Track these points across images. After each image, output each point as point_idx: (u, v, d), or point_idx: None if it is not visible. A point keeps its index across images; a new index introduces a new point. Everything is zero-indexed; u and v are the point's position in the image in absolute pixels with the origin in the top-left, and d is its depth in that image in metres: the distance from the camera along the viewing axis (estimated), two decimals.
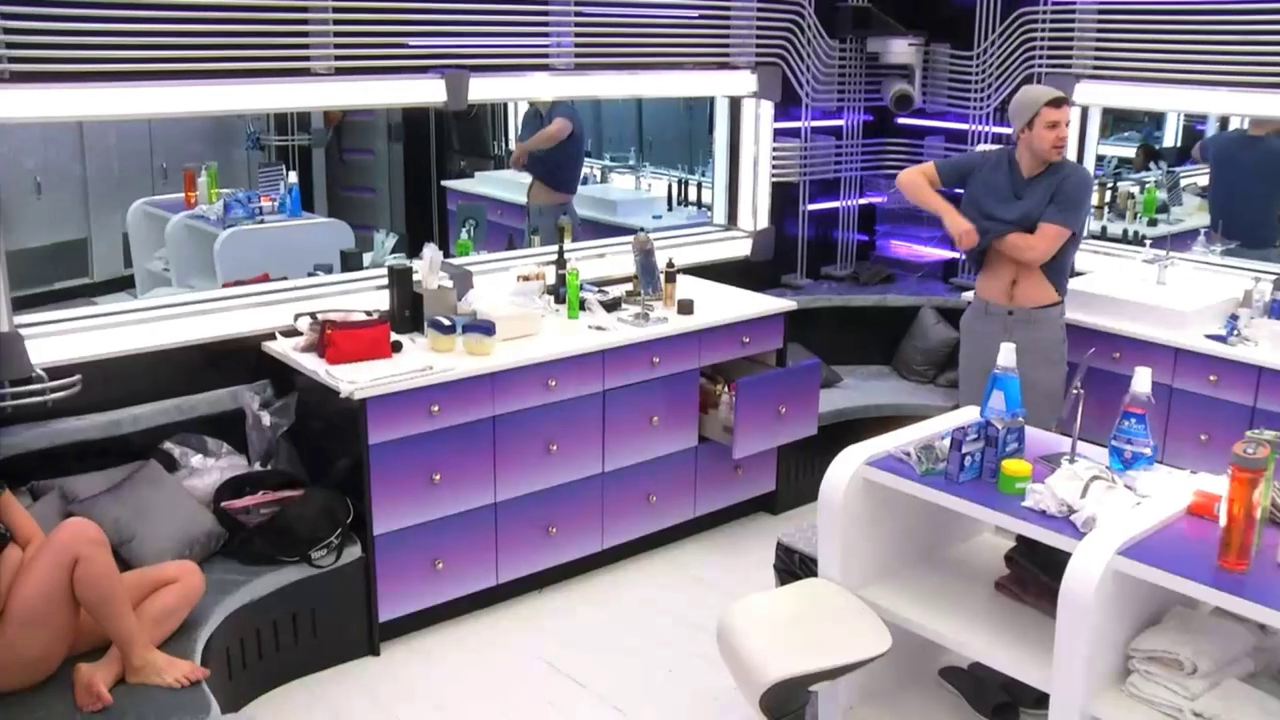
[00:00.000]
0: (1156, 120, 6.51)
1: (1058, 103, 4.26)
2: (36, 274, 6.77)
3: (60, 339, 3.94)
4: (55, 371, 3.81)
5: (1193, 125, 6.50)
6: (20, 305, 3.90)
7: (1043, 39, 5.55)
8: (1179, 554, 2.47)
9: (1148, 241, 5.58)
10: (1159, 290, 5.05)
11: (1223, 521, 2.41)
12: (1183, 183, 6.22)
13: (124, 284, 7.07)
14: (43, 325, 3.97)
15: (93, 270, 7.35)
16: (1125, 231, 6.02)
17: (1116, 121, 6.39)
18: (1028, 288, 4.44)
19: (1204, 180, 6.21)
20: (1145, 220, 6.02)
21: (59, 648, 3.04)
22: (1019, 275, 4.44)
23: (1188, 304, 4.80)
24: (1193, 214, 6.12)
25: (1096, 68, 5.39)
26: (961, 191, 4.60)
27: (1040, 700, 2.80)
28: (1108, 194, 6.32)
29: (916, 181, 4.62)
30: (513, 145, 8.76)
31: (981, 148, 5.67)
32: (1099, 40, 5.37)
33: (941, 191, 4.61)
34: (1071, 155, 5.50)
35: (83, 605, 3.03)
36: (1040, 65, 5.57)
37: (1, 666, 2.95)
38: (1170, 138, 6.57)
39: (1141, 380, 2.85)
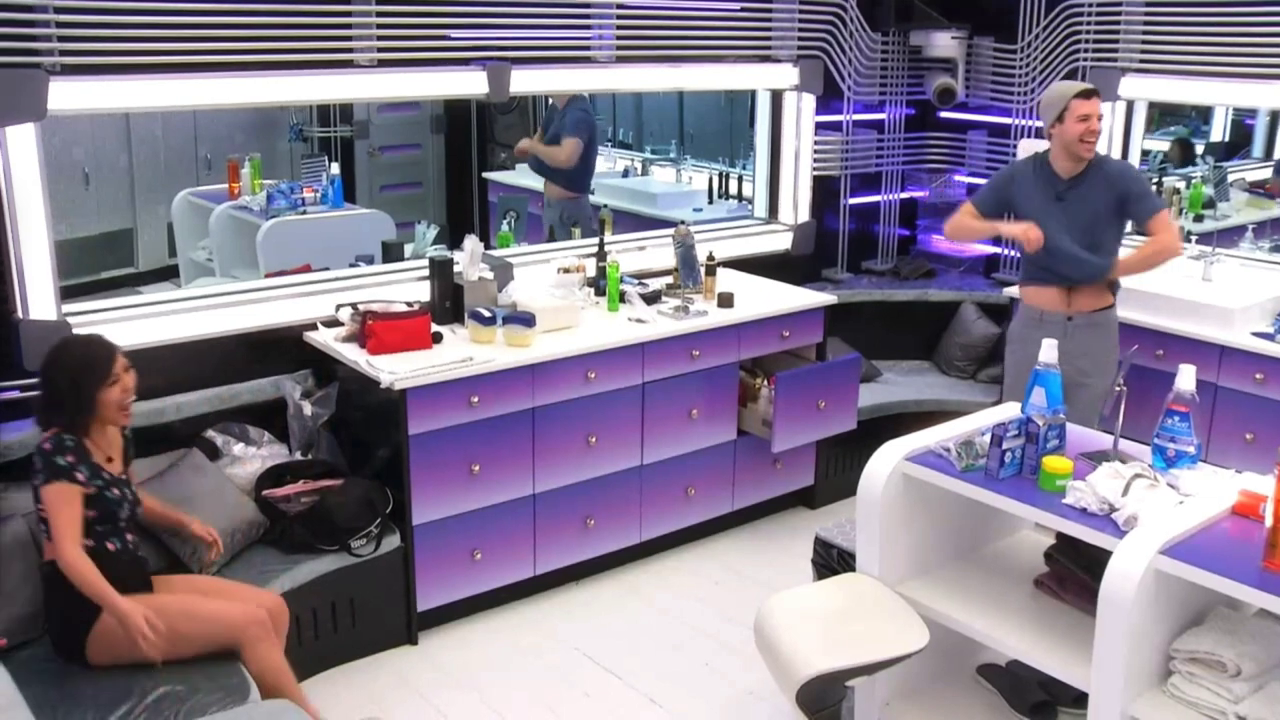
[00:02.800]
0: (1204, 114, 6.43)
1: (1087, 94, 4.15)
2: (84, 263, 6.86)
3: (106, 328, 3.96)
4: None
5: (1241, 120, 6.41)
6: (68, 294, 3.96)
7: (1088, 32, 5.49)
8: (1222, 554, 2.45)
9: (1194, 238, 5.50)
10: (1204, 287, 4.99)
11: (1268, 522, 2.39)
12: (1230, 178, 6.14)
13: (168, 274, 7.15)
14: (89, 314, 4.02)
15: (138, 260, 7.43)
16: None
17: (1162, 116, 6.31)
18: (1085, 292, 4.28)
19: (1253, 175, 6.12)
20: (1191, 216, 5.94)
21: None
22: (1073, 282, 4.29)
23: (1234, 301, 4.74)
24: (1240, 210, 6.03)
25: (1143, 61, 5.32)
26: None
27: (1079, 699, 2.78)
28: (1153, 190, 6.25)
29: (959, 221, 4.46)
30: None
31: (1024, 144, 5.61)
32: (1145, 33, 5.30)
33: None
34: (1116, 151, 5.46)
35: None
36: (1085, 59, 5.51)
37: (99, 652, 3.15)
38: (1218, 132, 6.47)
39: (1185, 378, 2.82)
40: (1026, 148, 5.60)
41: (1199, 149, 6.28)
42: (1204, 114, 6.40)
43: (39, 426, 3.27)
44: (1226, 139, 6.43)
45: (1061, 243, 4.19)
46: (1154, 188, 4.47)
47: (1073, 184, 4.24)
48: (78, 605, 3.07)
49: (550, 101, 6.81)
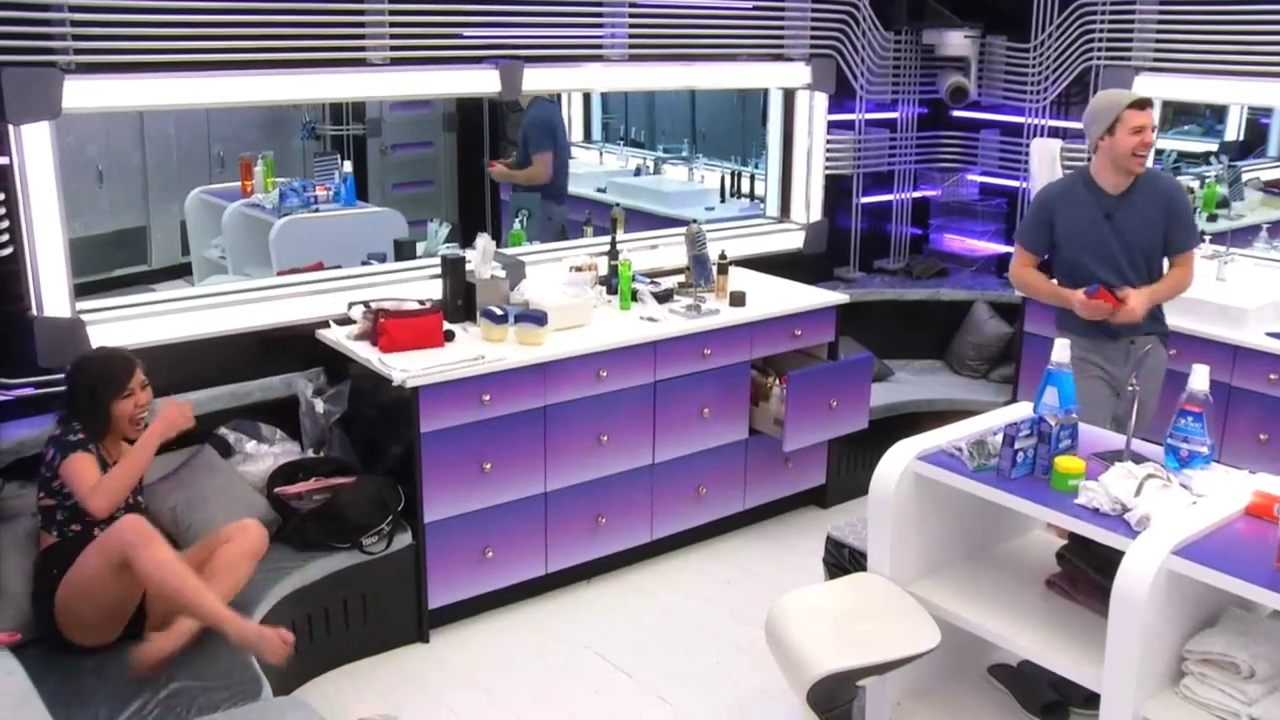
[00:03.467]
0: (1218, 114, 6.40)
1: (1141, 104, 3.87)
2: (97, 261, 6.87)
3: (120, 325, 4.01)
4: None
5: (1256, 119, 6.38)
6: (82, 292, 3.97)
7: (1101, 30, 5.47)
8: (1236, 555, 2.44)
9: (1207, 237, 5.48)
10: (1219, 287, 4.97)
11: None
12: (1245, 177, 6.11)
13: (181, 271, 7.16)
14: (103, 311, 4.04)
15: (151, 258, 7.45)
16: None
17: (1176, 114, 6.28)
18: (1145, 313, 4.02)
19: (1268, 175, 6.09)
20: (1205, 215, 5.92)
21: (111, 624, 3.22)
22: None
23: (1248, 301, 4.72)
24: (1255, 209, 6.01)
25: (1157, 60, 5.30)
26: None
27: (1090, 700, 2.77)
28: None
29: (1024, 279, 4.21)
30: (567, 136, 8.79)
31: (1037, 144, 5.60)
32: (1160, 31, 5.28)
33: (1045, 261, 4.25)
34: None
35: (155, 595, 3.18)
36: (1099, 57, 5.50)
37: (69, 625, 3.19)
38: (1232, 131, 6.45)
39: (1199, 378, 2.81)
40: (1039, 148, 5.60)
41: (1213, 148, 6.25)
42: (1218, 113, 6.38)
43: (60, 425, 3.36)
44: (1241, 138, 6.41)
45: (1107, 275, 3.96)
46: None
47: (1122, 200, 3.96)
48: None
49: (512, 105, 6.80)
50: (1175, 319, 4.68)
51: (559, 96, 6.44)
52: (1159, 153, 5.90)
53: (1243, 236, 5.39)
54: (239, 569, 3.38)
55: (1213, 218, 5.90)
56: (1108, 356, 4.05)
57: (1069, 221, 4.04)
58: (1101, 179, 4.00)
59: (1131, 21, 5.37)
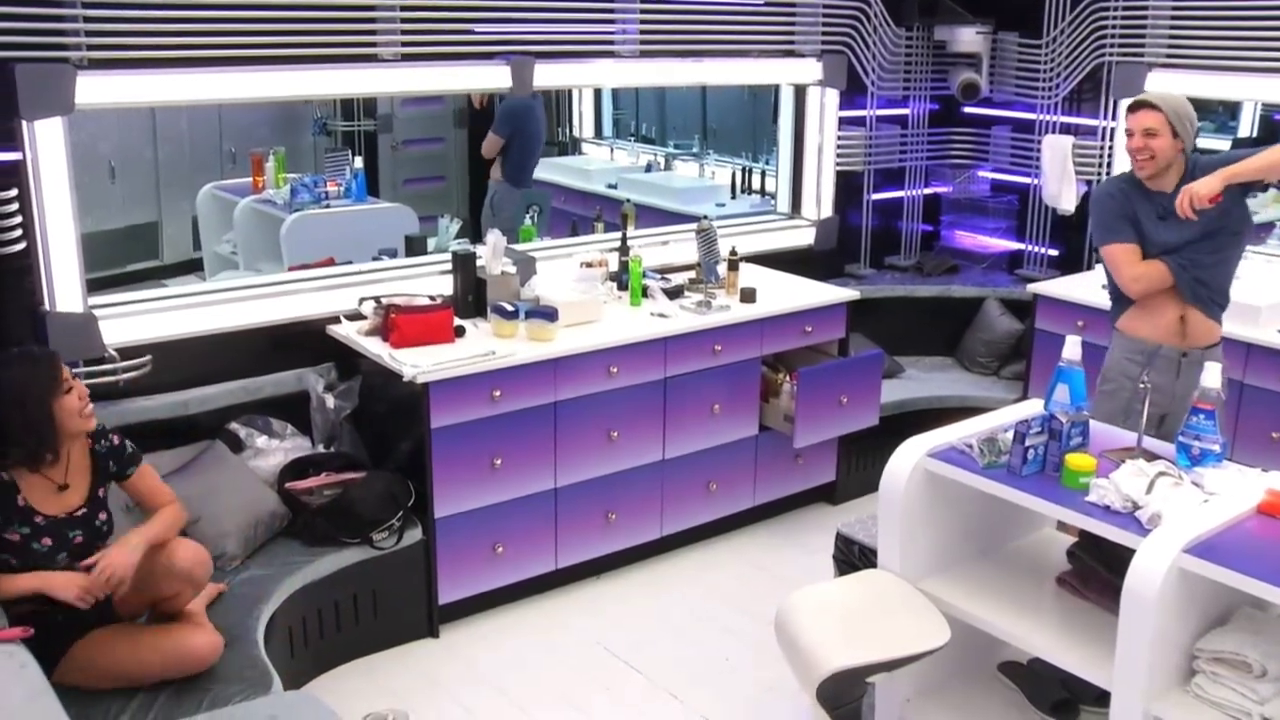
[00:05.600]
0: (1231, 110, 6.37)
1: (1134, 106, 3.70)
2: (110, 256, 6.90)
3: (132, 320, 4.02)
4: (126, 352, 3.90)
5: (1270, 115, 6.35)
6: (94, 287, 3.98)
7: (1114, 27, 5.45)
8: (1248, 553, 2.43)
9: None
10: (1232, 284, 4.94)
11: None
12: None
13: (193, 267, 7.19)
14: (115, 306, 4.05)
15: (163, 253, 7.48)
16: None
17: None
18: (1199, 323, 3.75)
19: None
20: None
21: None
22: (1187, 310, 3.73)
23: (1261, 298, 4.69)
24: (1268, 206, 5.98)
25: (1170, 56, 5.28)
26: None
27: (1101, 698, 2.77)
28: None
29: (1145, 273, 3.70)
30: (577, 131, 8.82)
31: (1049, 140, 5.59)
32: (1173, 27, 5.26)
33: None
34: None
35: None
36: (1111, 54, 5.48)
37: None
38: (1245, 128, 6.42)
39: (1211, 375, 2.80)
40: (1050, 144, 5.59)
41: (1226, 145, 6.22)
42: (1232, 109, 6.35)
43: None
44: (1255, 135, 6.38)
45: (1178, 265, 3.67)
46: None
47: (1170, 198, 3.60)
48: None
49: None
50: None
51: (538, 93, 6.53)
52: None
53: (1256, 234, 5.36)
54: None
55: None
56: (1158, 370, 3.73)
57: (1137, 225, 3.73)
58: (1150, 180, 3.74)
59: (1144, 17, 5.34)
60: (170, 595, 3.09)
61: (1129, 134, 3.71)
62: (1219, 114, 6.42)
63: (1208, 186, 3.39)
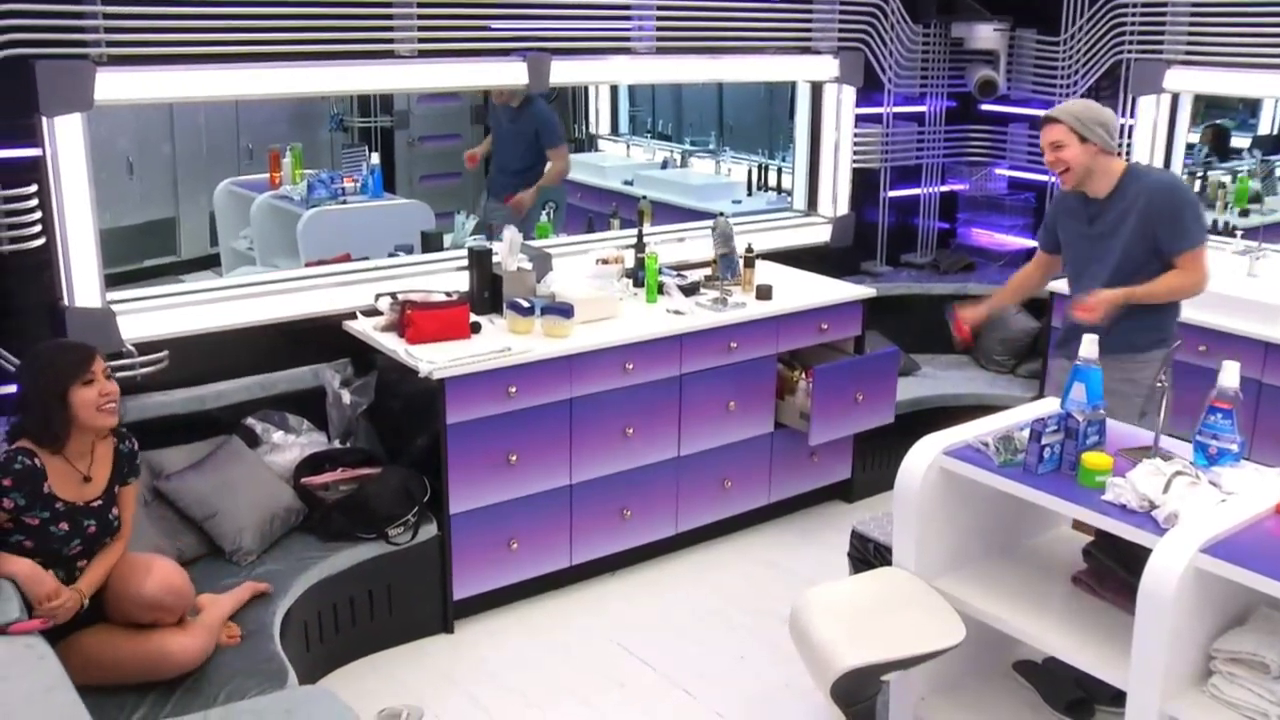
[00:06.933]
0: (1251, 108, 6.34)
1: (1039, 124, 3.80)
2: (127, 252, 6.93)
3: (149, 315, 4.04)
4: (144, 347, 3.92)
5: None
6: (112, 282, 4.00)
7: (1133, 24, 5.43)
8: (1265, 553, 2.42)
9: (1239, 232, 5.44)
10: (1250, 282, 4.93)
11: None
12: (1278, 172, 6.05)
13: (210, 262, 7.22)
14: (133, 302, 4.08)
15: (180, 249, 7.51)
16: (1216, 222, 5.86)
17: (1208, 108, 6.22)
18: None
19: None
20: (1236, 211, 5.86)
21: None
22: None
23: (1278, 298, 4.67)
24: None
25: (1189, 53, 5.26)
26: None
27: (1116, 697, 2.76)
28: (1197, 184, 6.17)
29: (1015, 277, 4.29)
30: (594, 129, 8.80)
31: None
32: (1192, 24, 5.24)
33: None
34: (1160, 143, 5.40)
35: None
36: (1130, 51, 5.45)
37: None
38: (1265, 125, 6.38)
39: (1229, 374, 2.79)
40: None
41: (1246, 143, 6.19)
42: (1251, 107, 6.32)
43: (7, 440, 3.04)
44: (1275, 132, 6.34)
45: (1090, 284, 3.78)
46: (1201, 213, 3.84)
47: (1104, 205, 3.78)
48: None
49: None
50: (1205, 315, 4.66)
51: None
52: (1189, 147, 5.85)
53: (1275, 231, 5.34)
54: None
55: (1244, 213, 5.84)
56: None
57: (1065, 230, 3.98)
58: (1076, 189, 3.84)
59: (1164, 14, 5.32)
60: (148, 621, 3.07)
61: (1042, 152, 3.80)
62: (1240, 111, 6.39)
63: (1102, 308, 3.64)
